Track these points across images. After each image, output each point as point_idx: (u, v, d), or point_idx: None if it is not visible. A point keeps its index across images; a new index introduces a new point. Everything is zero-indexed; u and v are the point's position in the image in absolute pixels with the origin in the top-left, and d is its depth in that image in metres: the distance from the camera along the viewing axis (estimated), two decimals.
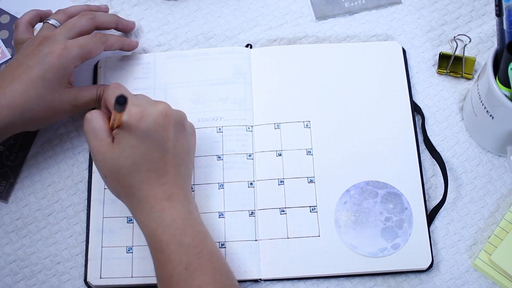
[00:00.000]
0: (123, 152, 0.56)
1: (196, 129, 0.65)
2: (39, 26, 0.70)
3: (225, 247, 0.64)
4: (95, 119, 0.58)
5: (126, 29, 0.73)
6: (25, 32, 0.67)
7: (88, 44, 0.64)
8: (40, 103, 0.62)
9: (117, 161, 0.56)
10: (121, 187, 0.57)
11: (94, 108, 0.63)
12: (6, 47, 0.74)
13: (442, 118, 0.70)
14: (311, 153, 0.67)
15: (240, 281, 0.62)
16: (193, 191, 0.66)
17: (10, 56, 0.73)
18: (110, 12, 0.74)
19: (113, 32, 0.73)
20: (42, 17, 0.70)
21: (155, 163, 0.57)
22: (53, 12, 0.70)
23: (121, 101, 0.50)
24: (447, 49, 0.73)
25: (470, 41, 0.72)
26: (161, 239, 0.55)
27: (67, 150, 0.69)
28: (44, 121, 0.64)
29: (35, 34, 0.68)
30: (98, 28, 0.68)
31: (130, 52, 0.72)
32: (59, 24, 0.67)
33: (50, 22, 0.67)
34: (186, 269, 0.54)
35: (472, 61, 0.71)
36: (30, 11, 0.69)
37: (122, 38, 0.70)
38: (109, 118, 0.59)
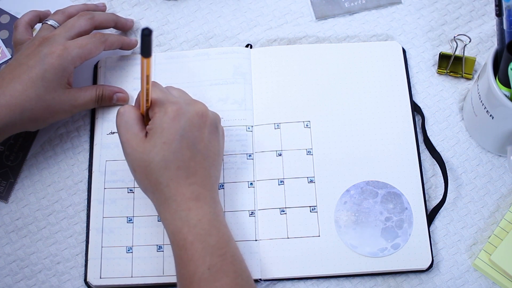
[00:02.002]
0: (154, 148, 0.56)
1: None
2: (38, 26, 0.70)
3: None
4: (127, 113, 0.58)
5: (125, 27, 0.73)
6: (24, 32, 0.67)
7: (88, 45, 0.65)
8: (39, 103, 0.62)
9: (147, 156, 0.56)
10: (148, 182, 0.57)
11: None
12: (6, 47, 0.74)
13: (442, 118, 0.70)
14: (311, 153, 0.67)
15: None
16: None
17: (10, 56, 0.73)
18: (110, 12, 0.74)
19: (112, 31, 0.73)
20: (41, 17, 0.70)
21: (186, 162, 0.57)
22: (52, 12, 0.70)
23: (147, 32, 0.47)
24: (447, 49, 0.73)
25: (470, 41, 0.72)
26: (185, 238, 0.55)
27: (67, 150, 0.70)
28: (43, 121, 0.64)
29: (34, 35, 0.68)
30: (97, 27, 0.68)
31: (130, 51, 0.73)
32: (58, 24, 0.67)
33: (49, 22, 0.67)
34: (209, 270, 0.54)
35: (472, 61, 0.71)
36: (29, 11, 0.69)
37: (122, 37, 0.70)
38: (142, 115, 0.59)
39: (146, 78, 0.53)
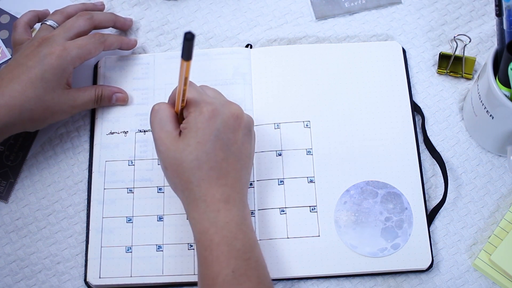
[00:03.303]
0: (188, 147, 0.56)
1: None
2: (37, 26, 0.70)
3: None
4: (162, 111, 0.58)
5: (124, 27, 0.73)
6: (23, 33, 0.67)
7: (87, 45, 0.65)
8: (38, 104, 0.62)
9: (180, 154, 0.56)
10: (179, 180, 0.57)
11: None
12: (6, 47, 0.74)
13: (442, 118, 0.70)
14: (311, 153, 0.67)
15: None
16: None
17: (10, 56, 0.73)
18: (109, 12, 0.74)
19: (111, 31, 0.73)
20: (40, 17, 0.70)
21: (218, 163, 0.56)
22: (51, 12, 0.70)
23: (189, 37, 0.47)
24: (447, 49, 0.73)
25: (470, 41, 0.72)
26: (212, 239, 0.55)
27: (68, 150, 0.70)
28: (43, 122, 0.64)
29: (33, 34, 0.68)
30: (96, 27, 0.69)
31: (130, 51, 0.73)
32: (57, 25, 0.67)
33: (48, 23, 0.67)
34: (233, 273, 0.54)
35: (472, 61, 0.71)
36: (28, 12, 0.69)
37: (121, 37, 0.70)
38: (176, 113, 0.59)
39: (184, 79, 0.54)
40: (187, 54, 0.50)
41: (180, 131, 0.57)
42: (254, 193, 0.66)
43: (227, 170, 0.57)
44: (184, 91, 0.55)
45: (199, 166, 0.56)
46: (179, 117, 0.59)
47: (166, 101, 0.60)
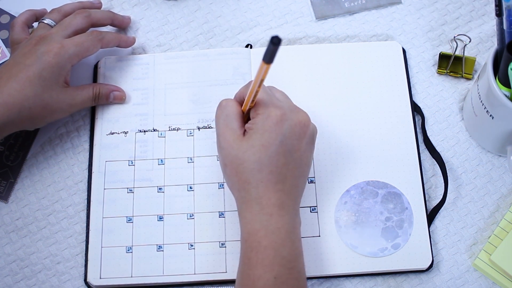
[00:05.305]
0: (252, 148, 0.56)
1: (195, 131, 0.65)
2: (36, 25, 0.70)
3: (225, 247, 0.64)
4: (230, 107, 0.58)
5: (122, 25, 0.73)
6: (21, 32, 0.67)
7: (85, 43, 0.65)
8: (37, 102, 0.62)
9: (242, 154, 0.56)
10: (237, 179, 0.57)
11: None
12: (6, 47, 0.74)
13: (442, 118, 0.70)
14: None
15: None
16: (192, 190, 0.66)
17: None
18: (108, 10, 0.74)
19: (111, 29, 0.73)
20: (38, 16, 0.70)
21: (278, 168, 0.56)
22: (49, 10, 0.70)
23: (276, 41, 0.47)
24: (447, 49, 0.73)
25: (470, 41, 0.72)
26: (260, 241, 0.55)
27: (68, 150, 0.70)
28: (41, 120, 0.64)
29: (31, 34, 0.68)
30: (94, 25, 0.69)
31: (130, 50, 0.72)
32: (54, 23, 0.67)
33: (45, 21, 0.67)
34: (275, 279, 0.54)
35: (472, 61, 0.71)
36: (25, 11, 0.69)
37: (119, 35, 0.70)
38: (242, 112, 0.59)
39: (260, 81, 0.53)
40: (269, 57, 0.49)
41: (245, 131, 0.57)
42: None
43: (285, 176, 0.57)
44: (257, 92, 0.55)
45: (260, 168, 0.56)
46: (245, 116, 0.59)
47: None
